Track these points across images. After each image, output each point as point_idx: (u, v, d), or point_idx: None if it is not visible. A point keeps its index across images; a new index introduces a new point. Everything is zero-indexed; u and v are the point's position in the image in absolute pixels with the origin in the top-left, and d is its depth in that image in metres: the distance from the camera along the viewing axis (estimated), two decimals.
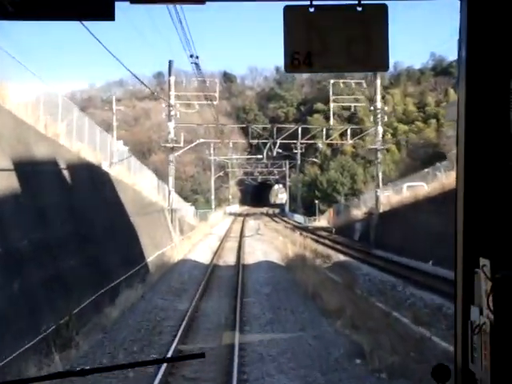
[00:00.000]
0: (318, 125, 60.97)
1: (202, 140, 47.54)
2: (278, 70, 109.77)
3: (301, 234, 41.18)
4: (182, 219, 40.75)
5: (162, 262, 24.92)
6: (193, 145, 41.69)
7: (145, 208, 27.79)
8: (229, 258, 27.95)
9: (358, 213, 43.65)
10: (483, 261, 1.80)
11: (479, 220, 1.88)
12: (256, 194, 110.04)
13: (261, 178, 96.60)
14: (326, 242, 39.04)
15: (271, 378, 9.07)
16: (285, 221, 68.11)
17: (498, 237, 1.85)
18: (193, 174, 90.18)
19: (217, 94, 39.56)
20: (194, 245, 34.74)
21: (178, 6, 18.67)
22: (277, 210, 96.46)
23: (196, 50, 35.93)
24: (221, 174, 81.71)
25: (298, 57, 2.03)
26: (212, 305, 15.47)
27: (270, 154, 49.80)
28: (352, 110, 61.34)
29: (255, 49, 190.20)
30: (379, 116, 36.84)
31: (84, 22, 8.40)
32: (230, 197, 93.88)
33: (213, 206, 73.93)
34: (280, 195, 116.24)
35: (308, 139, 52.13)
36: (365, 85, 48.66)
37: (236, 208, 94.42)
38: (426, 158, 66.91)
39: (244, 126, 67.57)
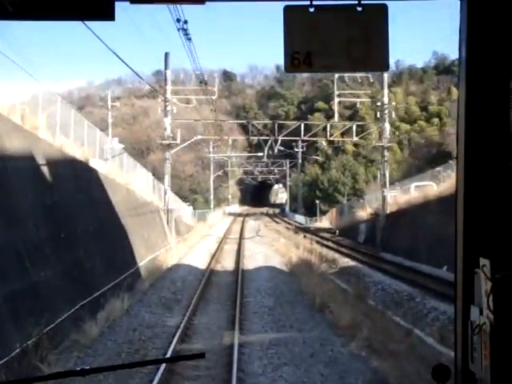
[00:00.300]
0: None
1: (200, 137, 45.79)
2: (278, 68, 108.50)
3: (304, 236, 39.52)
4: (178, 220, 39.02)
5: (155, 266, 23.06)
6: (190, 141, 39.94)
7: (138, 208, 26.12)
8: (227, 263, 26.06)
9: (363, 213, 42.01)
10: (483, 261, 1.79)
11: (479, 220, 1.87)
12: (256, 194, 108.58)
13: (261, 178, 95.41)
14: (330, 244, 37.39)
15: None
16: (285, 221, 66.61)
17: (498, 237, 1.85)
18: (192, 173, 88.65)
19: (215, 89, 37.92)
20: (190, 247, 32.90)
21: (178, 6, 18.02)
22: (277, 210, 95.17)
23: (195, 47, 34.03)
24: (220, 173, 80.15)
25: (298, 57, 2.03)
26: (207, 321, 13.58)
27: (270, 152, 48.10)
28: (354, 107, 59.78)
29: (255, 47, 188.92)
30: (386, 112, 34.99)
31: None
32: (230, 196, 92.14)
33: (212, 206, 72.38)
34: (280, 195, 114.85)
35: (310, 137, 50.52)
36: (371, 79, 47.16)
37: (235, 208, 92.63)
38: (429, 158, 65.84)
39: (244, 122, 65.86)
